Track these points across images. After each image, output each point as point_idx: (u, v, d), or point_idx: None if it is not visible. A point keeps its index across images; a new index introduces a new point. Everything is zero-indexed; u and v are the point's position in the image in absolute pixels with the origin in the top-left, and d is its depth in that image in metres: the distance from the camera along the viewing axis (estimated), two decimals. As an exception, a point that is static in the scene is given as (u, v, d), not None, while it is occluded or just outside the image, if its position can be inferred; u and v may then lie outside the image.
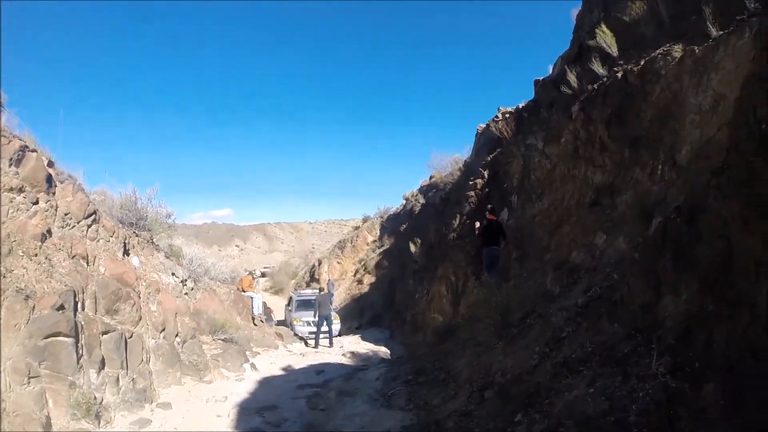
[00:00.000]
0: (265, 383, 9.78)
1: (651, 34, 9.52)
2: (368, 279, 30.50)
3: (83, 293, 8.52)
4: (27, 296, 7.26)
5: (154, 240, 12.82)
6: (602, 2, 14.19)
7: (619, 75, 9.26)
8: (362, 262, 33.68)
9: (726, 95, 6.26)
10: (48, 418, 6.58)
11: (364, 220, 41.66)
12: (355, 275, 32.94)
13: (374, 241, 35.49)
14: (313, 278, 36.23)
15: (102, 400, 7.50)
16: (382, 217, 37.66)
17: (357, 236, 37.71)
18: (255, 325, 15.50)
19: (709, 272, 3.84)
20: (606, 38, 10.19)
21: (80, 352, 7.61)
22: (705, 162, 5.91)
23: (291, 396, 8.55)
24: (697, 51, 7.41)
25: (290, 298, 20.76)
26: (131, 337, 8.90)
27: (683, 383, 3.33)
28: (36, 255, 8.09)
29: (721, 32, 7.05)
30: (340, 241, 41.29)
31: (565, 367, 4.73)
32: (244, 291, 16.70)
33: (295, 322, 17.96)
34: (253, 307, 16.29)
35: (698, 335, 3.60)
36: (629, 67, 9.10)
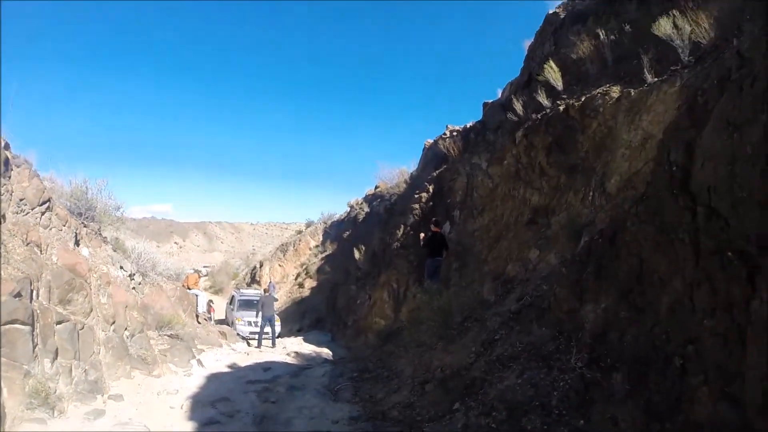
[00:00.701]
0: (214, 378, 9.95)
1: (595, 72, 10.37)
2: (310, 283, 30.68)
3: (38, 281, 8.37)
4: (-15, 283, 7.25)
5: (102, 232, 12.79)
6: (553, 37, 15.29)
7: (562, 108, 9.98)
8: (304, 267, 33.80)
9: (654, 135, 7.00)
10: (2, 406, 6.44)
11: (308, 225, 41.76)
12: (296, 279, 33.00)
13: (317, 246, 35.64)
14: (254, 280, 36.01)
15: (56, 390, 7.39)
16: (325, 223, 37.84)
17: (300, 240, 37.71)
18: (199, 323, 15.58)
19: (624, 284, 4.58)
20: (553, 74, 11.03)
21: (35, 340, 7.49)
22: (630, 191, 6.74)
23: (241, 390, 8.80)
24: (632, 93, 8.21)
25: (232, 297, 20.74)
26: (83, 328, 8.75)
27: (597, 373, 4.04)
28: None
29: (656, 79, 7.85)
30: (282, 244, 41.16)
31: (498, 362, 5.43)
32: (189, 288, 16.79)
33: (237, 321, 18.07)
34: (197, 305, 16.43)
35: (612, 335, 4.32)
36: (571, 101, 9.83)
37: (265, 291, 18.87)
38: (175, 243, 77.60)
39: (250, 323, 17.67)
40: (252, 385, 9.24)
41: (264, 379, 9.71)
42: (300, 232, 42.68)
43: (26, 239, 8.85)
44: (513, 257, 9.44)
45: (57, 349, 7.92)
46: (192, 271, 19.82)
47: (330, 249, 32.11)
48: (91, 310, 9.51)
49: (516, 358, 5.25)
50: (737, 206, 3.09)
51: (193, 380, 9.88)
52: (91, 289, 9.86)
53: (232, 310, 19.40)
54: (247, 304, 19.09)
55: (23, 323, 7.24)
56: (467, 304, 8.69)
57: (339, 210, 37.78)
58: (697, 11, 7.35)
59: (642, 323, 4.01)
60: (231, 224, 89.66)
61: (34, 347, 7.42)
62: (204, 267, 35.67)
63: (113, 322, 9.99)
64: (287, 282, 33.50)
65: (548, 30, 16.27)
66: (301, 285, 30.90)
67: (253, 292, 22.22)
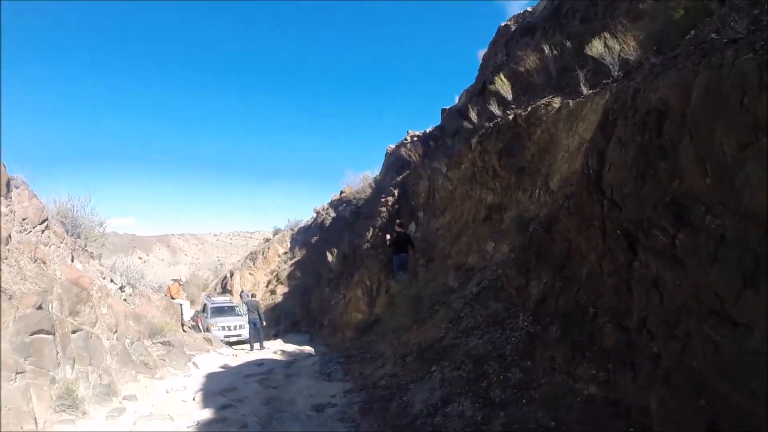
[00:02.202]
0: (213, 376, 10.79)
1: (541, 82, 11.73)
2: (281, 289, 31.40)
3: (51, 295, 9.32)
4: (10, 296, 7.87)
5: (87, 248, 13.52)
6: (505, 48, 16.74)
7: (511, 117, 11.24)
8: (274, 273, 34.49)
9: (587, 140, 8.29)
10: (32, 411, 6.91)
11: (275, 233, 42.36)
12: (267, 286, 33.63)
13: (285, 252, 36.35)
14: (225, 289, 36.43)
15: (78, 393, 7.85)
16: (292, 230, 38.52)
17: (268, 248, 38.32)
18: (184, 331, 16.46)
19: (558, 263, 5.90)
20: (503, 86, 12.42)
21: (57, 349, 7.99)
22: (568, 189, 8.02)
23: (243, 382, 9.74)
24: (570, 104, 9.45)
25: (204, 305, 21.38)
26: (91, 337, 9.66)
27: (537, 328, 5.37)
28: (6, 259, 8.71)
29: (590, 91, 9.06)
30: (251, 253, 41.66)
31: (463, 333, 6.75)
32: (173, 298, 17.63)
33: (212, 327, 18.86)
34: (182, 314, 17.27)
35: (549, 301, 5.65)
36: (519, 111, 11.09)
37: (253, 295, 20.02)
38: (139, 258, 75.89)
39: (223, 328, 18.71)
40: (251, 377, 10.16)
41: (260, 372, 10.65)
42: (268, 240, 43.34)
43: (33, 256, 9.55)
44: (472, 250, 10.71)
45: (74, 357, 8.45)
46: (172, 282, 20.50)
47: (299, 255, 32.90)
48: (96, 320, 10.25)
49: (478, 327, 6.57)
50: (625, 199, 4.41)
51: (193, 379, 10.66)
52: (94, 301, 10.74)
53: (206, 317, 20.18)
54: (220, 311, 20.11)
55: (47, 332, 7.80)
56: (435, 292, 9.94)
57: (305, 216, 38.49)
58: (626, 33, 8.41)
59: (570, 290, 5.33)
60: (194, 236, 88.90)
61: (57, 355, 7.95)
62: (172, 280, 36.34)
63: (116, 331, 10.74)
64: (259, 289, 33.98)
65: (500, 41, 17.83)
66: (273, 291, 31.60)
67: (223, 299, 23.12)
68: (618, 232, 4.41)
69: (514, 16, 18.27)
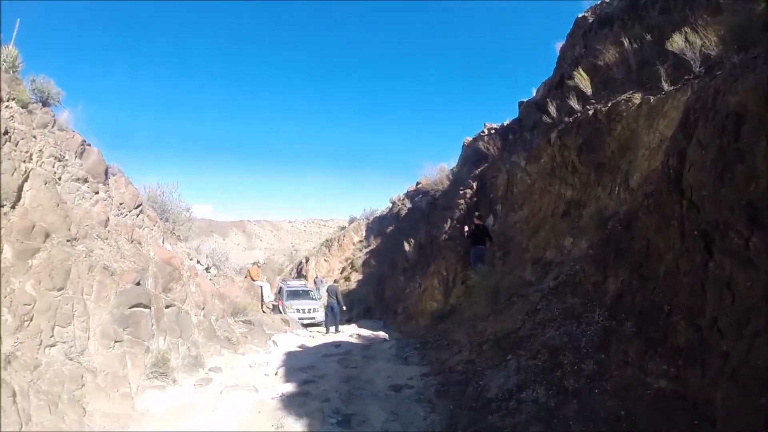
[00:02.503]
0: (293, 354, 11.41)
1: (620, 76, 11.52)
2: (355, 276, 32.12)
3: (147, 273, 9.88)
4: (112, 273, 8.60)
5: (175, 231, 14.24)
6: (582, 40, 16.49)
7: (591, 112, 11.16)
8: (349, 261, 35.28)
9: (668, 138, 8.27)
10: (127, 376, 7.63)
11: (351, 221, 43.30)
12: (341, 273, 34.42)
13: (360, 240, 37.05)
14: (300, 274, 37.37)
15: (170, 363, 8.55)
16: (368, 219, 39.19)
17: (344, 236, 39.18)
18: (263, 311, 17.36)
19: (635, 260, 6.02)
20: (582, 81, 12.35)
21: (152, 321, 8.76)
22: (648, 187, 8.07)
23: (322, 361, 10.27)
24: (651, 100, 9.32)
25: (280, 288, 22.24)
26: (181, 312, 10.27)
27: (613, 323, 5.55)
28: (107, 239, 9.41)
29: (671, 88, 8.93)
30: (327, 240, 42.68)
31: (540, 324, 6.98)
32: (253, 280, 18.60)
33: (286, 310, 19.76)
34: (262, 295, 18.21)
35: (626, 297, 5.80)
36: (599, 106, 10.99)
37: (335, 281, 20.79)
38: (215, 241, 78.48)
39: (297, 310, 19.67)
40: (329, 357, 10.66)
41: (338, 353, 11.15)
42: (343, 228, 44.27)
43: (130, 237, 10.39)
44: (550, 245, 10.80)
45: (167, 330, 9.20)
46: (252, 264, 21.51)
47: (374, 243, 33.46)
48: (186, 298, 10.98)
49: (554, 319, 6.78)
50: (703, 200, 4.54)
51: (274, 356, 11.26)
52: (184, 280, 11.56)
53: (282, 299, 21.11)
54: (294, 294, 21.16)
55: (144, 306, 8.62)
56: (512, 284, 10.13)
57: (380, 206, 38.98)
58: (707, 27, 8.33)
59: (646, 288, 5.46)
60: (270, 222, 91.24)
61: (151, 327, 8.73)
62: (261, 260, 37.46)
63: (203, 308, 11.48)
64: (333, 276, 34.84)
65: (578, 33, 17.50)
66: (347, 278, 32.28)
67: (298, 283, 24.24)
68: (695, 232, 4.54)
69: (591, 7, 17.80)
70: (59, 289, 7.35)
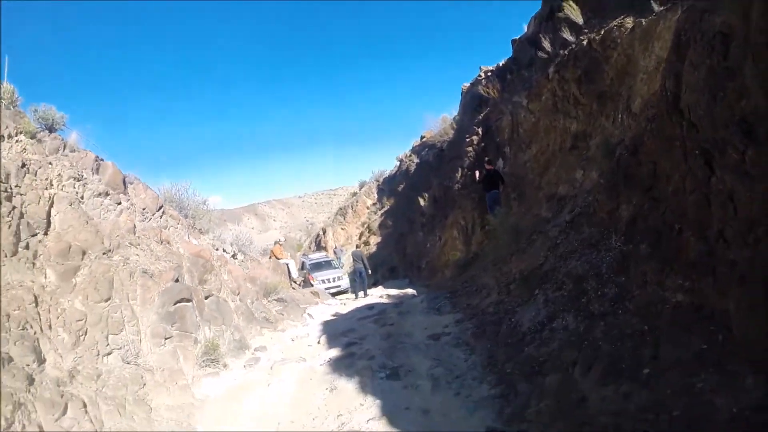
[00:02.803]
0: (330, 323, 11.88)
1: (611, 1, 11.38)
2: (374, 239, 32.48)
3: (182, 269, 10.53)
4: (151, 275, 9.10)
5: (196, 225, 14.56)
6: (569, -33, 16.31)
7: (585, 42, 11.18)
8: (366, 225, 35.60)
9: (664, 60, 8.37)
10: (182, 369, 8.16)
11: (361, 186, 43.33)
12: (360, 238, 34.76)
13: (374, 203, 37.28)
14: (319, 246, 37.83)
15: (220, 349, 9.06)
16: (378, 180, 39.29)
17: (357, 201, 39.35)
18: (292, 288, 17.87)
19: (645, 184, 6.28)
20: (572, 11, 12.37)
21: (195, 313, 9.25)
22: (650, 111, 8.20)
23: (359, 324, 10.73)
24: (643, 23, 9.33)
25: (302, 263, 22.93)
26: (220, 301, 10.69)
27: (630, 247, 5.86)
28: (138, 244, 9.86)
29: (662, 8, 8.94)
30: (340, 209, 42.91)
31: (561, 258, 7.32)
32: (279, 259, 19.08)
33: (312, 282, 20.44)
34: (289, 272, 18.70)
35: (639, 221, 6.08)
36: (593, 35, 11.00)
37: (357, 246, 21.38)
38: (230, 230, 78.38)
39: (323, 281, 20.43)
40: (365, 319, 11.11)
41: (373, 314, 11.58)
42: (355, 194, 44.38)
43: (159, 239, 10.78)
44: (562, 179, 11.03)
45: (210, 319, 9.67)
46: (275, 244, 22.00)
47: (388, 204, 33.71)
48: (221, 286, 11.44)
49: (574, 251, 7.12)
50: (700, 120, 4.77)
51: (312, 327, 11.75)
52: (216, 269, 12.01)
53: (305, 273, 21.66)
54: (317, 266, 21.97)
55: (187, 300, 9.14)
56: (530, 223, 10.45)
57: (388, 166, 39.08)
58: None
59: (657, 209, 5.73)
60: (280, 201, 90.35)
61: (196, 319, 9.22)
62: (281, 238, 38.00)
63: (238, 293, 11.92)
64: (352, 242, 35.22)
65: (563, -41, 17.30)
66: (366, 242, 32.63)
67: (318, 255, 25.20)
68: (696, 151, 4.78)
69: (578, -65, 17.58)
70: (106, 300, 7.85)
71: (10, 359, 5.63)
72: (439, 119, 27.44)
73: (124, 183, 11.12)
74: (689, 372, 3.78)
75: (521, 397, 5.10)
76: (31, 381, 5.62)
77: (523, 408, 4.90)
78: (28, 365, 5.83)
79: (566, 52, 12.14)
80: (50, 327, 6.75)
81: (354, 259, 18.25)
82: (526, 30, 19.24)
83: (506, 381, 5.62)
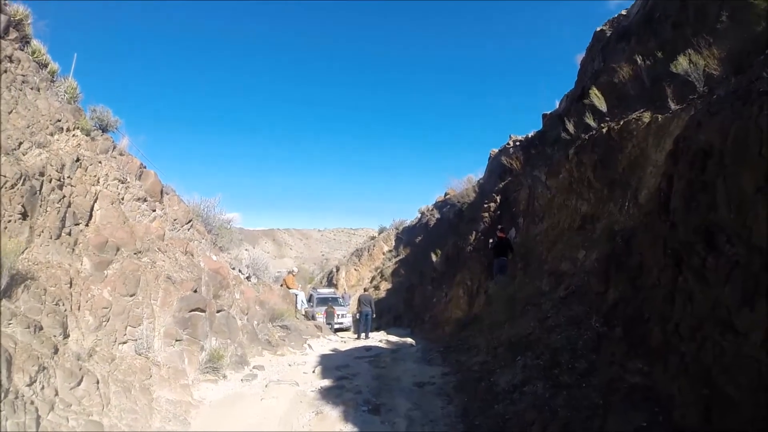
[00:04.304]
0: (327, 356, 12.44)
1: (635, 92, 11.96)
2: (385, 285, 33.05)
3: (200, 281, 11.22)
4: (174, 282, 9.83)
5: (217, 242, 15.23)
6: (601, 53, 17.16)
7: (605, 131, 11.76)
8: (378, 270, 36.23)
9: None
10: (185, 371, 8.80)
11: (380, 231, 44.33)
12: (371, 282, 35.34)
13: (390, 250, 38.00)
14: (331, 283, 38.60)
15: (223, 360, 9.64)
16: (397, 229, 40.18)
17: (374, 246, 40.19)
18: (297, 318, 18.39)
19: (631, 273, 6.82)
20: (597, 99, 13.06)
21: (206, 324, 9.89)
22: (653, 203, 8.83)
23: (354, 361, 11.32)
24: (659, 119, 9.87)
25: (311, 296, 23.56)
26: (229, 317, 11.39)
27: (606, 329, 6.39)
28: (166, 251, 10.59)
29: (677, 107, 9.48)
30: (357, 250, 43.77)
31: (547, 330, 7.84)
32: (289, 288, 19.68)
33: (317, 315, 21.09)
34: (297, 303, 19.26)
35: (620, 306, 6.60)
36: (612, 124, 11.57)
37: (365, 290, 22.25)
38: (246, 250, 79.06)
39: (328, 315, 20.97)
40: (361, 359, 11.68)
41: (369, 355, 12.16)
42: (373, 237, 45.30)
43: (185, 250, 11.52)
44: (566, 257, 11.49)
45: (218, 332, 10.32)
46: (287, 273, 22.66)
47: (403, 253, 34.35)
48: (233, 304, 12.09)
49: (559, 325, 7.64)
50: (678, 223, 5.37)
51: (310, 357, 12.31)
52: (231, 287, 12.64)
53: (312, 306, 22.24)
54: (324, 301, 22.55)
55: (201, 311, 9.83)
56: (529, 293, 10.91)
57: (409, 216, 39.96)
58: (710, 48, 8.91)
59: (637, 298, 6.25)
60: (299, 231, 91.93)
61: (206, 329, 9.88)
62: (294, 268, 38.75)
63: (246, 313, 12.55)
64: (363, 284, 35.74)
65: (597, 46, 18.19)
66: (376, 287, 33.18)
67: (327, 291, 25.90)
68: (670, 251, 5.37)
69: (609, 21, 18.34)
70: (131, 295, 8.64)
71: (41, 328, 6.36)
72: (464, 179, 28.31)
73: (162, 193, 12.01)
74: (627, 444, 4.29)
75: (482, 446, 5.62)
76: (56, 350, 6.33)
77: (480, 456, 5.41)
78: (54, 336, 6.57)
79: (587, 136, 12.76)
80: (79, 308, 7.55)
81: (362, 302, 18.80)
82: (557, 106, 20.12)
83: (473, 431, 6.13)
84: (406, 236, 36.89)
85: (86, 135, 10.10)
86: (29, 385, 5.50)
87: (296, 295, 19.60)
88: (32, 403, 5.35)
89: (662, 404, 4.55)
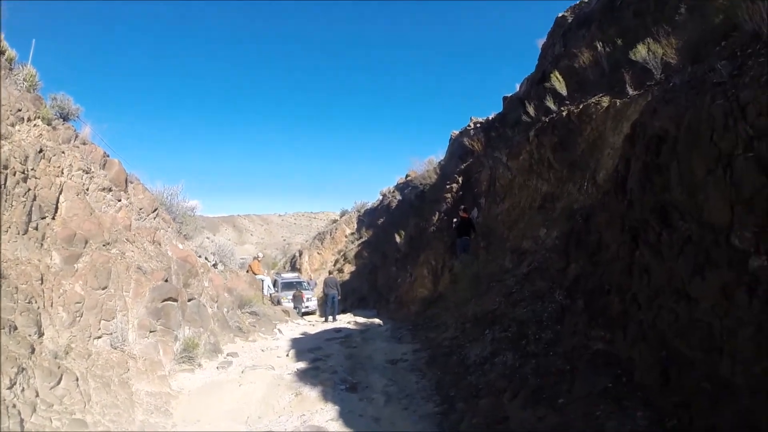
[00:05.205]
0: (298, 340, 12.62)
1: (595, 78, 12.42)
2: (348, 268, 33.19)
3: (170, 270, 11.12)
4: (144, 272, 9.75)
5: (182, 230, 15.06)
6: (562, 39, 17.56)
7: (564, 114, 12.16)
8: (342, 253, 36.31)
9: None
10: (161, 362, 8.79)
11: (342, 214, 44.34)
12: (335, 265, 35.43)
13: (352, 233, 38.09)
14: (294, 267, 38.45)
15: (198, 349, 9.74)
16: (359, 211, 40.24)
17: (336, 229, 40.20)
18: (264, 303, 18.49)
19: (590, 250, 7.25)
20: (558, 83, 13.43)
21: (179, 313, 9.88)
22: (609, 184, 9.27)
23: (326, 343, 11.54)
24: (617, 104, 10.31)
25: (275, 281, 23.59)
26: (200, 305, 11.26)
27: (568, 302, 6.81)
28: (134, 241, 10.48)
29: (635, 92, 9.86)
30: (319, 233, 43.67)
31: (512, 304, 8.26)
32: (255, 274, 19.78)
33: (283, 300, 21.34)
34: (263, 288, 19.39)
35: (581, 280, 7.03)
36: (572, 108, 11.96)
37: (330, 272, 22.42)
38: (207, 238, 77.86)
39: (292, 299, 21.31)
40: (332, 340, 11.91)
41: (339, 337, 12.40)
42: (335, 221, 45.29)
43: (152, 239, 11.40)
44: (527, 235, 11.94)
45: (190, 321, 10.34)
46: (253, 259, 22.69)
47: (366, 236, 34.49)
48: (202, 292, 12.01)
49: (524, 300, 8.06)
50: (634, 202, 5.77)
51: (281, 342, 12.48)
52: (200, 276, 12.63)
53: (277, 291, 22.36)
54: (289, 286, 22.83)
55: (173, 300, 9.83)
56: (493, 271, 11.33)
57: (371, 198, 40.02)
58: (669, 37, 9.23)
59: (596, 273, 6.69)
60: (259, 216, 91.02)
61: (179, 318, 9.88)
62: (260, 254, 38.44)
63: (216, 301, 12.53)
64: (326, 268, 35.93)
65: (558, 32, 18.54)
66: (340, 270, 33.32)
67: (291, 275, 26.02)
68: (627, 227, 5.78)
69: (570, 7, 18.68)
70: (103, 288, 8.55)
71: (15, 327, 6.26)
72: (425, 161, 28.51)
73: (126, 182, 11.79)
74: (593, 403, 4.68)
75: (458, 414, 5.98)
76: (32, 350, 6.25)
77: (458, 423, 5.77)
78: (30, 335, 6.47)
79: (547, 119, 13.15)
80: (52, 305, 7.43)
81: (327, 285, 19.08)
82: (518, 89, 20.51)
83: (448, 401, 6.52)
84: (368, 218, 37.02)
85: (47, 124, 9.78)
86: (9, 388, 5.44)
87: (263, 280, 19.72)
88: (14, 406, 5.32)
89: (624, 367, 4.96)
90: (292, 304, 20.88)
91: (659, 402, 4.33)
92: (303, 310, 21.02)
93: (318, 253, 38.85)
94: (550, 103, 13.35)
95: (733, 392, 3.74)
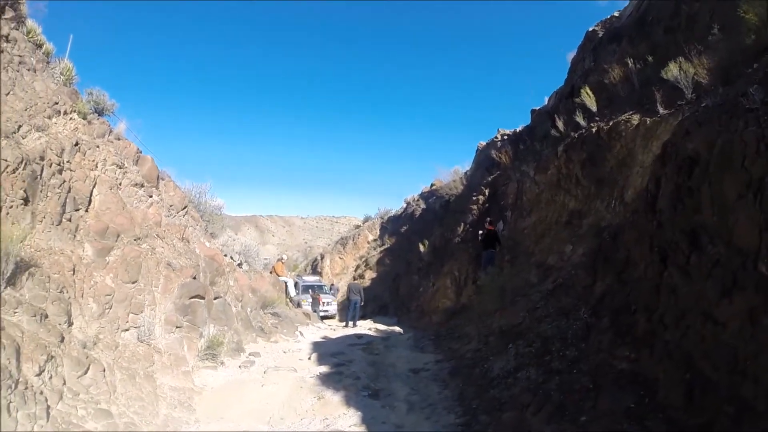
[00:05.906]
0: (320, 344, 12.77)
1: (625, 94, 12.40)
2: (369, 274, 33.27)
3: (198, 267, 11.36)
4: (174, 269, 9.98)
5: (208, 228, 15.27)
6: (592, 53, 17.55)
7: (594, 130, 12.16)
8: (363, 259, 36.45)
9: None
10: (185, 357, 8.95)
11: (365, 220, 44.48)
12: (356, 270, 35.61)
13: (375, 239, 38.21)
14: (315, 271, 38.69)
15: (223, 347, 9.80)
16: (382, 218, 40.33)
17: (358, 234, 40.37)
18: (287, 305, 18.67)
19: (618, 268, 7.28)
20: (588, 99, 13.43)
21: (205, 311, 10.04)
22: (638, 203, 9.27)
23: (348, 348, 11.67)
24: (648, 122, 10.27)
25: (296, 283, 23.45)
26: (225, 304, 11.36)
27: (594, 319, 6.84)
28: (164, 238, 10.71)
29: (665, 111, 9.82)
30: (342, 238, 43.94)
31: (537, 320, 8.29)
32: (279, 276, 19.97)
33: (302, 303, 21.47)
34: (287, 290, 19.57)
35: (607, 298, 7.06)
36: (602, 125, 11.97)
37: (354, 278, 22.57)
38: (229, 237, 78.15)
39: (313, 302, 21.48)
40: (354, 346, 12.01)
41: (361, 343, 12.51)
42: (357, 226, 45.52)
43: (181, 236, 11.64)
44: (553, 250, 11.93)
45: (216, 318, 10.44)
46: (277, 260, 22.89)
47: (388, 243, 34.56)
48: (228, 291, 12.18)
49: (549, 315, 8.09)
50: (665, 222, 5.81)
51: (303, 344, 12.58)
52: (226, 274, 12.82)
53: (297, 293, 22.43)
54: (309, 289, 22.97)
55: (200, 297, 9.99)
56: (517, 285, 11.33)
57: (394, 206, 40.12)
58: (700, 57, 9.23)
59: (623, 291, 6.72)
60: (281, 218, 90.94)
61: (205, 316, 10.02)
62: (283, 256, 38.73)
63: (240, 300, 12.64)
64: (347, 273, 36.11)
65: (588, 46, 18.54)
66: (361, 276, 33.33)
67: (313, 279, 26.10)
68: (656, 248, 5.81)
69: (601, 21, 18.68)
70: (133, 282, 8.80)
71: (46, 316, 6.48)
72: (451, 170, 28.60)
73: (158, 178, 12.11)
74: (616, 421, 4.73)
75: (481, 426, 6.04)
76: (62, 339, 6.46)
77: (480, 435, 5.86)
78: (60, 324, 6.70)
79: (576, 134, 13.15)
80: (83, 295, 7.70)
81: (351, 291, 19.20)
82: (546, 102, 20.54)
83: (471, 413, 6.57)
84: (391, 226, 37.10)
85: (83, 118, 10.09)
86: (38, 375, 5.58)
87: (285, 282, 19.90)
88: (41, 393, 5.45)
89: (648, 387, 4.99)
90: (311, 307, 21.10)
91: (682, 422, 4.36)
92: (321, 314, 21.17)
93: (340, 257, 39.02)
94: (580, 119, 13.34)
95: (755, 416, 3.78)
